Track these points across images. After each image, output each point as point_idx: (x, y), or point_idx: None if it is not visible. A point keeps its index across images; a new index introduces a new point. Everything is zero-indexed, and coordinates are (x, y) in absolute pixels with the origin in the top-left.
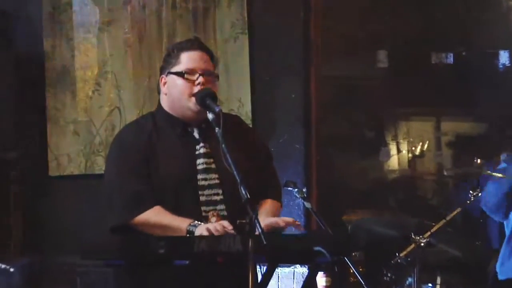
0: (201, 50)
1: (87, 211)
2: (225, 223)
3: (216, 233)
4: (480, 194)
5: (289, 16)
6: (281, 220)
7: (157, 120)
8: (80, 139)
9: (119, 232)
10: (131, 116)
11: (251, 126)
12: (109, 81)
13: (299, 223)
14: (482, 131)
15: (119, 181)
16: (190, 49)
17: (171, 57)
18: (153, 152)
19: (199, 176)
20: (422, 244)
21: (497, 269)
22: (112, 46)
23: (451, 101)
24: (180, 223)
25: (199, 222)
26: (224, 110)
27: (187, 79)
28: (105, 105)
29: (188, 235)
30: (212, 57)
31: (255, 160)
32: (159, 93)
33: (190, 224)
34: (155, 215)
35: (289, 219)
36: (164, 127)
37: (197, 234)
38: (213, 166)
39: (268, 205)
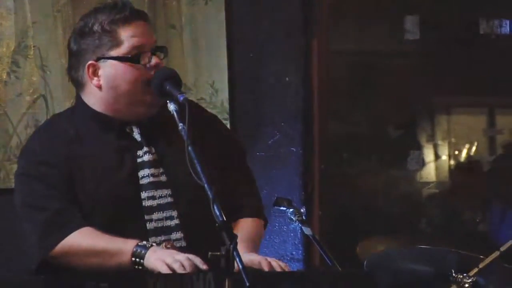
0: (142, 18)
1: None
2: (196, 258)
3: (180, 270)
4: None
5: None
6: (265, 263)
7: (78, 121)
8: None
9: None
10: (61, 107)
11: (228, 121)
12: (31, 59)
13: (288, 268)
14: None
15: (32, 204)
16: (130, 20)
17: (97, 34)
18: (77, 166)
19: (144, 194)
20: (467, 285)
21: None
22: (35, 10)
23: (508, 86)
24: (123, 245)
25: (150, 243)
26: (192, 100)
27: (139, 64)
28: (25, 93)
29: (135, 259)
30: (150, 22)
31: (221, 160)
32: (76, 86)
33: (137, 245)
34: (85, 238)
35: (276, 263)
36: (89, 130)
37: (150, 264)
38: (162, 178)
39: (246, 227)
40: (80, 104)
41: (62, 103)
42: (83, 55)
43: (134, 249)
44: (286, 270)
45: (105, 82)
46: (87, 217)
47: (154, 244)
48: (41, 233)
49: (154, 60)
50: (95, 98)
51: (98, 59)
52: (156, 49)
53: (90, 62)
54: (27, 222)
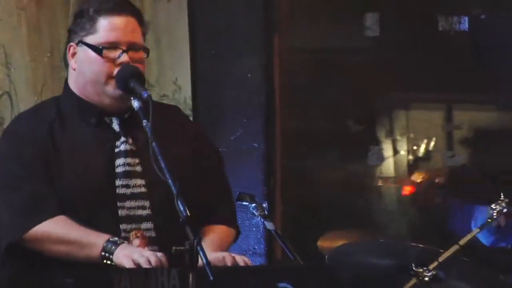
0: (128, 13)
1: None
2: (163, 257)
3: (145, 264)
4: (505, 210)
5: None
6: (229, 257)
7: (63, 106)
8: None
9: (15, 260)
10: (25, 104)
11: (191, 117)
12: None
13: (250, 263)
14: (508, 123)
15: (8, 184)
16: (112, 12)
17: (84, 19)
18: (55, 149)
19: (118, 182)
20: (427, 279)
21: None
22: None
23: (466, 82)
24: (94, 238)
25: (121, 240)
26: (154, 97)
27: (106, 56)
28: None
29: (104, 253)
30: (141, 22)
31: (200, 166)
32: (66, 66)
33: (108, 240)
34: (59, 227)
35: (240, 258)
36: (71, 116)
37: (118, 259)
38: (138, 169)
39: (218, 233)
40: (65, 87)
41: (26, 100)
42: (71, 35)
43: (105, 244)
44: (249, 264)
45: (77, 66)
46: (61, 199)
47: (125, 242)
48: (16, 215)
49: (123, 58)
50: (73, 80)
51: (78, 43)
52: (134, 48)
53: (71, 43)
54: (2, 199)
